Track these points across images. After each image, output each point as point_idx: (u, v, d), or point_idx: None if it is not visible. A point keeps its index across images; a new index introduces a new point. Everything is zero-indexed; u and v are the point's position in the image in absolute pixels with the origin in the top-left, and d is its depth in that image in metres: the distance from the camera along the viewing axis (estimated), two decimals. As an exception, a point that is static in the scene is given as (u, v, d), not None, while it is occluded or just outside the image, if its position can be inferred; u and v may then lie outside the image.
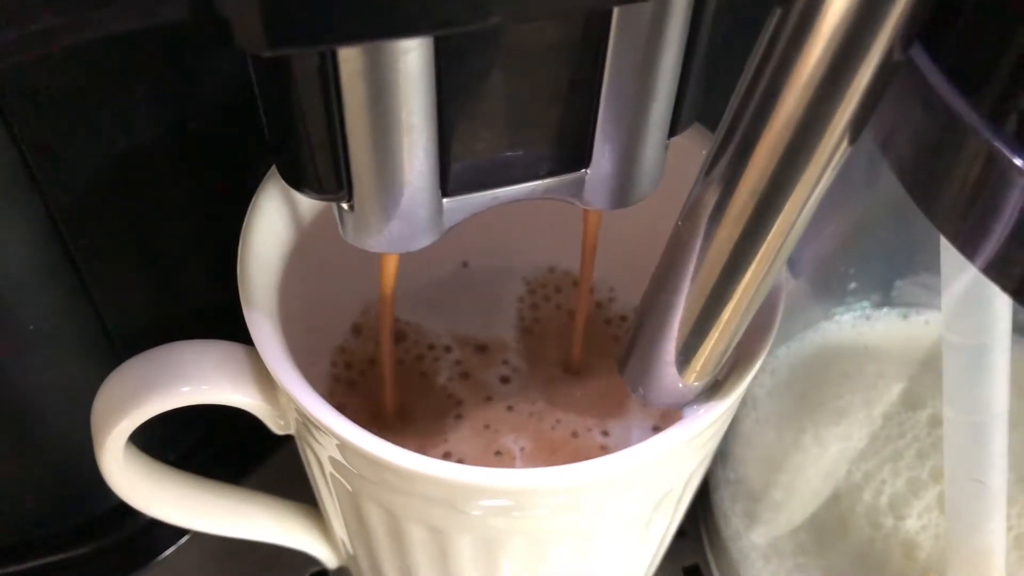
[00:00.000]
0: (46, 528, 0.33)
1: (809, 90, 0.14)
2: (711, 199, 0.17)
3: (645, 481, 0.21)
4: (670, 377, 0.20)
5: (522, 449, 0.26)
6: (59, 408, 0.29)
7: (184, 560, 0.34)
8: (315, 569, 0.33)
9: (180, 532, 0.34)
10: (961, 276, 0.21)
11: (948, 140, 0.16)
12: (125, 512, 0.34)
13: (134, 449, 0.24)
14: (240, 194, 0.24)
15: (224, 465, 0.34)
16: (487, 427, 0.27)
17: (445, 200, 0.19)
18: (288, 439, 0.33)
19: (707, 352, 0.19)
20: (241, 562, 0.34)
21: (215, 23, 0.14)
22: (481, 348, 0.29)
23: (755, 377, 0.31)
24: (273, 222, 0.24)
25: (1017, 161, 0.15)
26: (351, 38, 0.15)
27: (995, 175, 0.15)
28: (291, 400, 0.20)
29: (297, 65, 0.16)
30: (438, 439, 0.27)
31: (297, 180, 0.18)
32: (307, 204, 0.25)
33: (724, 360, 0.20)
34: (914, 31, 0.14)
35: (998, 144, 0.15)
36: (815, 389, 0.32)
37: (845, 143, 0.15)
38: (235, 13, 0.14)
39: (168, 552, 0.34)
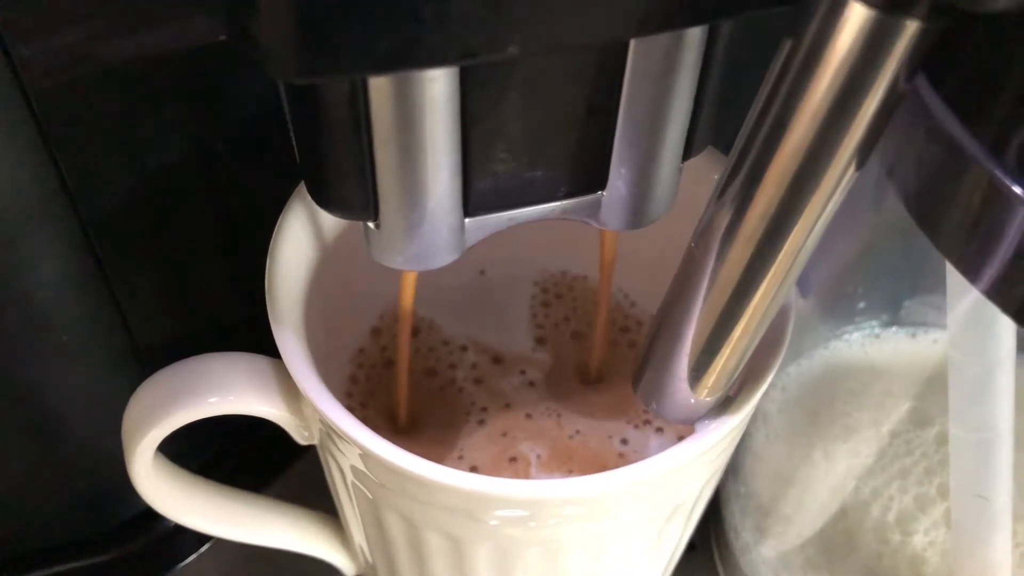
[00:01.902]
0: (70, 535, 0.34)
1: (817, 118, 0.15)
2: (723, 222, 0.17)
3: (658, 493, 0.22)
4: (683, 393, 0.21)
5: (538, 457, 0.27)
6: (86, 417, 0.30)
7: (204, 568, 0.35)
8: (333, 577, 0.34)
9: (200, 541, 0.35)
10: (965, 297, 0.21)
11: (951, 168, 0.16)
12: (147, 520, 0.35)
13: (162, 458, 0.25)
14: (265, 212, 0.25)
15: (245, 476, 0.35)
16: (504, 435, 0.27)
17: (467, 220, 0.20)
18: (307, 451, 0.34)
19: (719, 369, 0.20)
20: (260, 571, 0.34)
21: (250, 51, 0.15)
22: (499, 355, 0.30)
23: (766, 393, 0.32)
24: (299, 238, 0.25)
25: (1017, 189, 0.15)
26: (381, 68, 0.16)
27: (996, 202, 0.16)
28: (316, 411, 0.21)
29: (328, 91, 0.17)
30: (453, 445, 0.27)
31: (326, 200, 0.19)
32: (331, 220, 0.25)
33: (735, 376, 0.21)
34: (918, 63, 0.15)
35: (999, 173, 0.15)
36: (825, 406, 0.32)
37: (852, 169, 0.16)
38: (271, 42, 0.15)
39: (188, 560, 0.35)
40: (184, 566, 0.35)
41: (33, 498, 0.32)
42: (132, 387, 0.25)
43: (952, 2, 0.13)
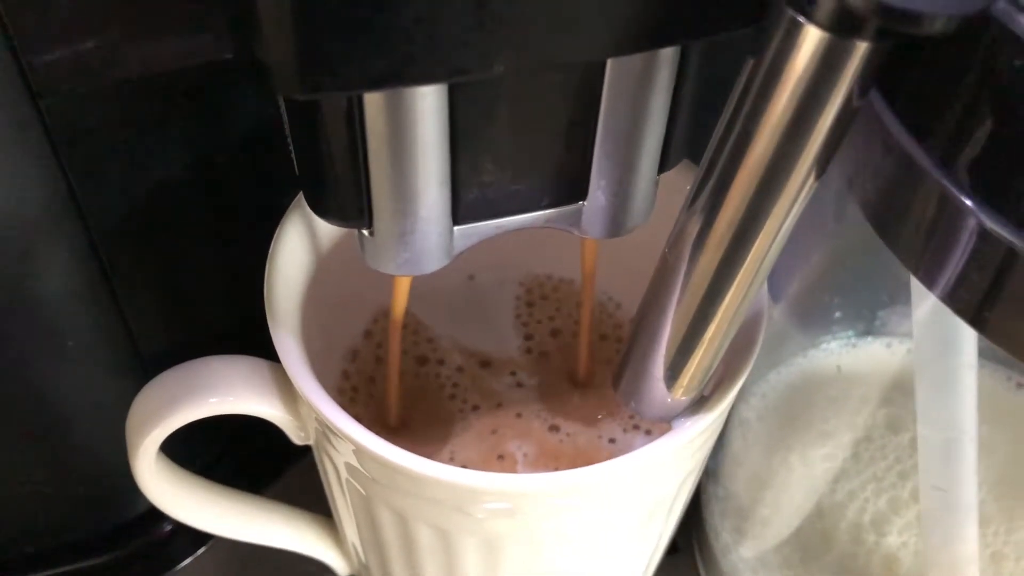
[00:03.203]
0: (69, 537, 0.34)
1: (778, 131, 0.16)
2: (694, 229, 0.18)
3: (638, 489, 0.23)
4: (659, 392, 0.22)
5: (525, 455, 0.28)
6: (89, 421, 0.31)
7: (200, 571, 0.35)
8: (327, 579, 0.35)
9: (197, 544, 0.36)
10: (927, 302, 0.22)
11: (905, 180, 0.17)
12: (145, 523, 0.35)
13: (164, 457, 0.26)
14: (263, 223, 0.26)
15: (241, 481, 0.35)
16: (493, 432, 0.29)
17: (455, 228, 0.21)
18: (301, 458, 0.35)
19: (693, 368, 0.21)
20: (254, 573, 0.35)
21: (257, 70, 0.16)
22: (487, 357, 0.31)
23: (746, 400, 0.33)
24: (296, 247, 0.26)
25: (967, 201, 0.16)
26: (376, 85, 0.17)
27: (947, 213, 0.17)
28: (312, 410, 0.22)
29: (326, 107, 0.18)
30: (443, 443, 0.28)
31: (324, 210, 0.20)
32: (326, 229, 0.27)
33: (709, 376, 0.22)
34: (869, 81, 0.16)
35: (949, 185, 0.16)
36: (802, 412, 0.33)
37: (812, 179, 0.17)
38: (276, 61, 0.16)
39: (185, 563, 0.35)
40: (180, 568, 0.35)
41: (35, 500, 0.33)
42: (134, 393, 0.25)
43: (893, 26, 0.14)
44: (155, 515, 0.35)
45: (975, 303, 0.17)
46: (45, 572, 0.34)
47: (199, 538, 0.35)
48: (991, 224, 0.16)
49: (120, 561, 0.35)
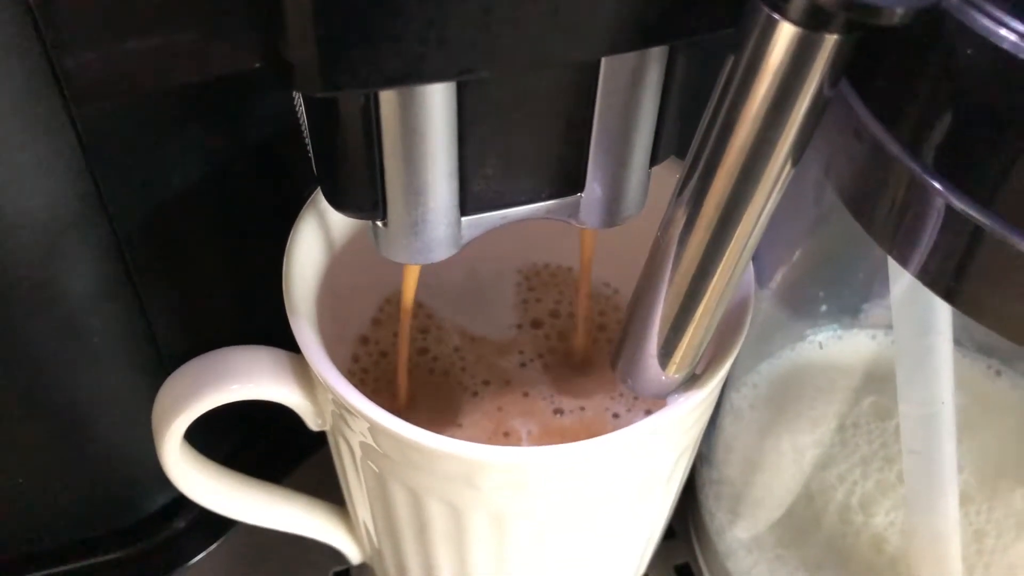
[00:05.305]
0: (86, 533, 0.35)
1: (757, 120, 0.17)
2: (683, 214, 0.20)
3: (634, 462, 0.24)
4: (654, 369, 0.23)
5: (529, 432, 0.29)
6: (109, 419, 0.32)
7: (213, 564, 0.36)
8: (337, 568, 0.36)
9: (210, 539, 0.37)
10: (904, 280, 0.24)
11: (876, 165, 0.19)
12: (160, 519, 0.36)
13: (188, 445, 0.27)
14: (277, 224, 0.28)
15: (258, 474, 0.37)
16: (499, 410, 0.30)
17: (463, 218, 0.22)
18: (314, 451, 0.36)
19: (685, 345, 0.22)
20: (266, 567, 0.36)
21: (280, 69, 0.18)
22: (490, 341, 0.32)
23: (739, 390, 0.34)
24: (311, 242, 0.27)
25: (934, 183, 0.17)
26: (391, 83, 0.18)
27: (917, 195, 0.18)
28: (329, 391, 0.24)
29: (344, 105, 0.20)
30: (449, 422, 0.30)
31: (341, 203, 0.22)
32: (338, 225, 0.28)
33: (700, 354, 0.23)
34: (839, 72, 0.17)
35: (917, 168, 0.18)
36: (792, 401, 0.34)
37: (789, 165, 0.18)
38: (300, 62, 0.18)
39: (199, 557, 0.37)
40: (194, 563, 0.36)
41: (53, 496, 0.34)
42: (153, 391, 0.27)
43: (857, 19, 0.15)
44: (169, 511, 0.36)
45: (946, 278, 0.18)
46: (61, 567, 0.35)
47: (212, 534, 0.37)
48: (958, 203, 0.17)
49: (135, 556, 0.36)
